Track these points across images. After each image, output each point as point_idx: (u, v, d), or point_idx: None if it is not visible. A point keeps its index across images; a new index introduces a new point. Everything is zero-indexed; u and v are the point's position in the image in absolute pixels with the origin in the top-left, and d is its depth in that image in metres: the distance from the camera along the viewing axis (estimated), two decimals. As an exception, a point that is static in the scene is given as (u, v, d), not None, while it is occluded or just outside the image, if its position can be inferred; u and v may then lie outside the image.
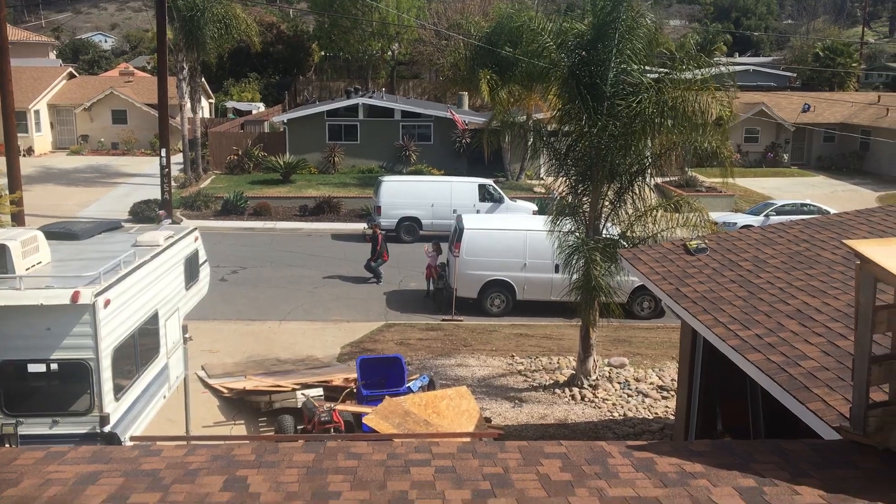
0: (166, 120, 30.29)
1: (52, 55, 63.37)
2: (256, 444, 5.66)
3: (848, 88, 61.32)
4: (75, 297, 7.47)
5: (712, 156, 15.33)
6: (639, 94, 13.66)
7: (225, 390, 14.41)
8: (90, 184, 38.13)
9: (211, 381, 15.09)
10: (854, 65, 65.95)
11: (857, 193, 40.09)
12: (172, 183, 35.45)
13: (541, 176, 35.62)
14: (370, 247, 23.55)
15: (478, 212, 28.55)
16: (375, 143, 40.37)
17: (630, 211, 14.68)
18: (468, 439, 6.41)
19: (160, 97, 27.99)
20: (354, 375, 13.64)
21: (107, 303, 7.73)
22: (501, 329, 19.34)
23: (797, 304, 9.00)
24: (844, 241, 5.85)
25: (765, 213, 30.42)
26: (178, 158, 39.90)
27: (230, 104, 57.83)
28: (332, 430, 11.47)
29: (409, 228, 28.61)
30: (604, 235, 14.85)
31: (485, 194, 29.26)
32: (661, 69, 14.56)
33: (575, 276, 14.38)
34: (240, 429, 13.26)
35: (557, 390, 14.85)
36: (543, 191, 33.00)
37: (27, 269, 8.29)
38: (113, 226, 11.03)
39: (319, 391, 12.83)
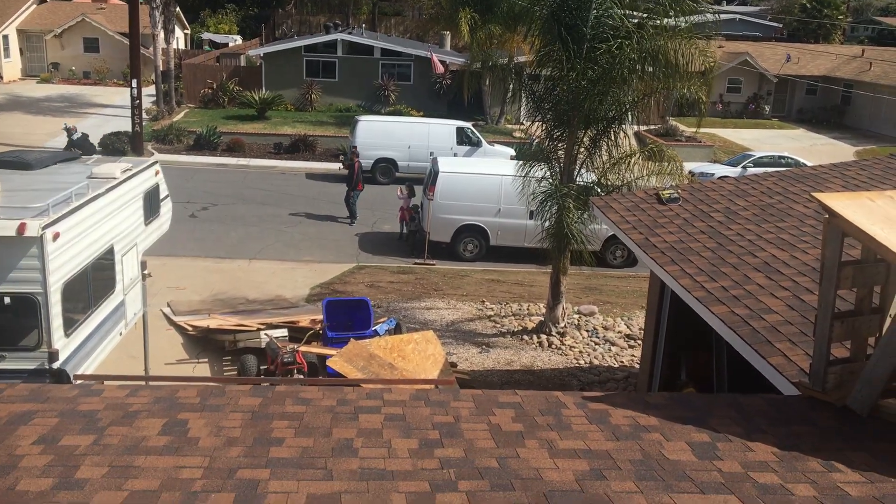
0: (137, 49, 29.53)
1: (23, -21, 61.21)
2: (202, 386, 5.48)
3: (833, 41, 60.95)
4: (21, 228, 7.19)
5: (693, 105, 15.11)
6: (619, 39, 13.32)
7: (189, 328, 14.23)
8: (60, 113, 37.19)
9: (176, 319, 14.90)
10: (840, 17, 65.42)
11: (835, 147, 40.09)
12: (144, 116, 34.78)
13: (521, 120, 35.21)
14: (347, 176, 23.29)
15: (455, 155, 28.19)
16: (354, 82, 39.66)
17: (605, 158, 14.46)
18: (426, 386, 6.28)
19: (131, 25, 27.20)
20: (321, 317, 13.49)
21: (56, 236, 7.45)
22: (473, 274, 19.23)
23: (765, 256, 8.90)
24: (813, 194, 5.69)
25: (742, 165, 30.35)
26: (150, 90, 39.04)
27: (206, 36, 56.48)
28: (295, 371, 11.35)
29: (384, 170, 28.25)
30: (578, 182, 14.66)
31: (463, 137, 28.88)
32: (644, 14, 14.20)
33: (547, 224, 14.21)
34: (203, 367, 13.12)
35: (525, 337, 14.81)
36: (523, 135, 32.67)
37: (-26, 199, 7.98)
38: (70, 156, 10.66)
39: (284, 332, 12.68)
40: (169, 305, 15.75)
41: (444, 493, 4.09)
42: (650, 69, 13.48)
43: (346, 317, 13.18)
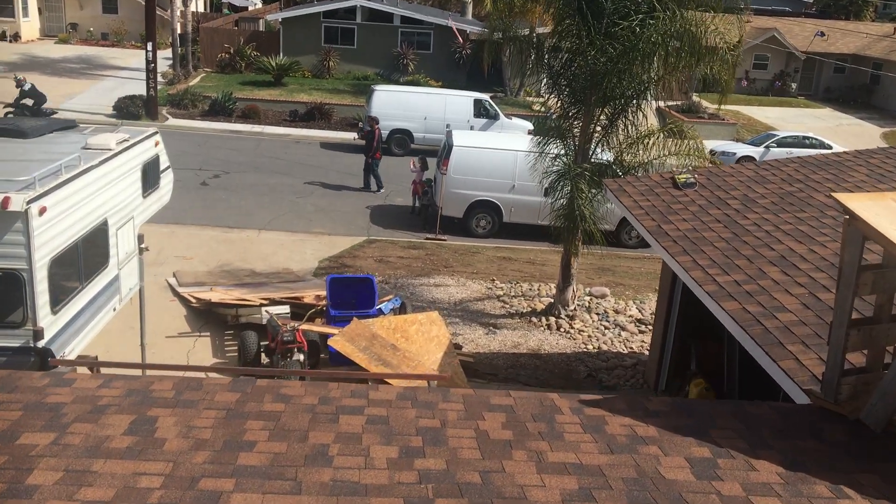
0: (153, 11, 29.18)
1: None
2: (179, 378, 5.23)
3: (864, 18, 59.46)
4: (5, 203, 6.93)
5: (716, 82, 14.61)
6: (641, 15, 12.82)
7: (193, 300, 14.03)
8: (77, 75, 36.98)
9: (180, 290, 14.70)
10: (873, -6, 63.77)
11: (862, 128, 39.21)
12: (160, 79, 34.46)
13: (541, 93, 34.63)
14: (366, 145, 22.98)
15: (472, 128, 27.76)
16: (373, 49, 39.10)
17: (622, 137, 14.03)
18: (416, 383, 6.00)
19: (147, -13, 26.76)
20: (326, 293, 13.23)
21: (42, 210, 7.20)
22: (485, 251, 18.91)
23: (782, 249, 8.53)
24: (833, 194, 5.31)
25: (765, 145, 29.68)
26: (167, 54, 38.69)
27: (226, -1, 55.97)
28: (296, 350, 11.12)
29: (400, 141, 27.83)
30: (594, 161, 14.25)
31: (480, 110, 28.38)
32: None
33: (559, 203, 13.84)
34: (204, 341, 12.93)
35: (534, 319, 14.51)
36: (542, 109, 32.04)
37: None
38: (67, 125, 10.38)
39: (286, 308, 12.44)
40: (175, 276, 15.56)
41: (419, 511, 3.82)
42: (675, 44, 12.95)
43: (351, 294, 12.92)
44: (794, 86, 46.30)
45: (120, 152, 9.14)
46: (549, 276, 17.05)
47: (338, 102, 33.45)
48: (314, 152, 27.82)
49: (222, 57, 38.96)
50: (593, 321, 14.53)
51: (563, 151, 14.21)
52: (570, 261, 14.50)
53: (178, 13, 36.68)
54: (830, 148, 29.22)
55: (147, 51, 29.28)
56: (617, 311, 15.14)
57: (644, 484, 4.23)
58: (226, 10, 53.29)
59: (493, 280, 16.74)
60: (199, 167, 24.30)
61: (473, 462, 4.33)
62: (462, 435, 4.67)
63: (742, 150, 29.68)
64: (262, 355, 11.72)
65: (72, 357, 8.08)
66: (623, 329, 14.25)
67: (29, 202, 7.06)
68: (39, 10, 46.71)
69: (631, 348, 13.60)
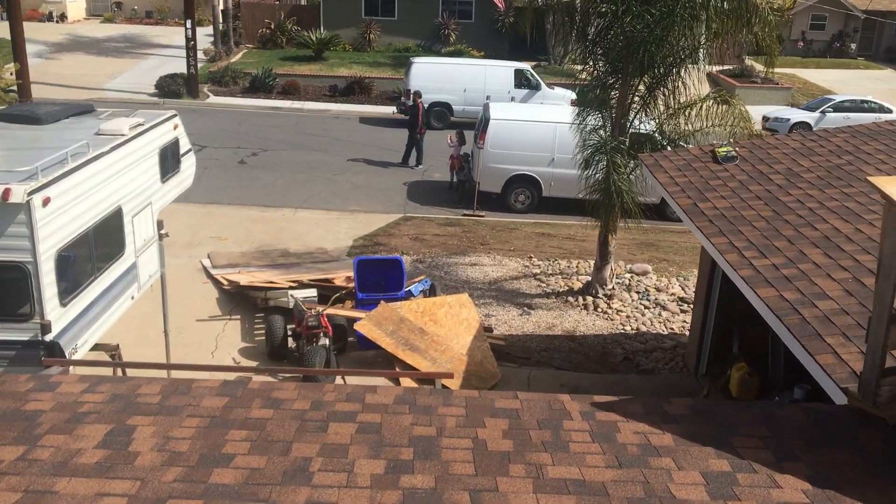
0: (191, -11, 29.08)
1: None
2: (169, 381, 4.99)
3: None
4: (6, 194, 6.77)
5: (761, 48, 13.84)
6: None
7: (225, 282, 13.92)
8: (120, 54, 37.26)
9: (213, 272, 14.60)
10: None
11: (925, 90, 37.43)
12: (202, 56, 34.53)
13: (576, 63, 33.77)
14: (410, 120, 22.61)
15: (512, 99, 27.20)
16: (413, 20, 38.53)
17: (662, 108, 13.41)
18: (416, 384, 5.67)
19: (183, -35, 26.64)
20: (356, 274, 12.97)
21: (46, 201, 7.03)
22: (523, 227, 18.46)
23: (826, 229, 7.96)
24: (870, 178, 4.80)
25: (821, 110, 28.48)
26: (209, 30, 38.68)
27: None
28: (321, 335, 10.90)
29: (439, 114, 27.38)
30: (632, 132, 13.67)
31: (521, 80, 27.76)
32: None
33: (594, 178, 13.33)
34: (234, 324, 12.80)
35: (570, 298, 14.06)
36: (586, 78, 31.14)
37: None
38: (84, 109, 10.22)
39: (313, 292, 12.21)
40: (209, 257, 15.48)
41: (398, 538, 3.51)
42: (721, 5, 12.24)
43: (379, 276, 12.65)
44: (853, 46, 44.42)
45: (134, 137, 8.94)
46: (588, 252, 16.54)
47: (378, 76, 33.10)
48: (353, 128, 27.55)
49: (263, 32, 38.83)
50: (632, 300, 14.03)
51: (600, 123, 13.66)
52: (608, 238, 14.00)
53: (219, -11, 36.61)
54: (891, 112, 27.93)
55: (186, 28, 29.28)
56: (658, 290, 14.60)
57: (651, 504, 3.85)
58: (268, -15, 53.04)
59: (531, 257, 16.31)
60: (238, 145, 24.25)
61: (465, 479, 4.00)
62: (457, 446, 4.33)
63: (796, 115, 28.54)
64: (290, 339, 11.53)
65: (86, 348, 7.96)
66: (664, 308, 13.73)
67: (30, 193, 6.89)
68: (85, -10, 47.15)
69: (671, 329, 13.08)
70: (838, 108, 28.41)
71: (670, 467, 4.19)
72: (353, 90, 31.09)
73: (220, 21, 36.97)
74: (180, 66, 31.65)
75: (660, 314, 13.51)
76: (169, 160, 10.00)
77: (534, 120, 19.49)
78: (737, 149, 10.61)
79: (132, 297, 9.10)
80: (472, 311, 11.83)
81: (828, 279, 6.91)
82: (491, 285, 14.81)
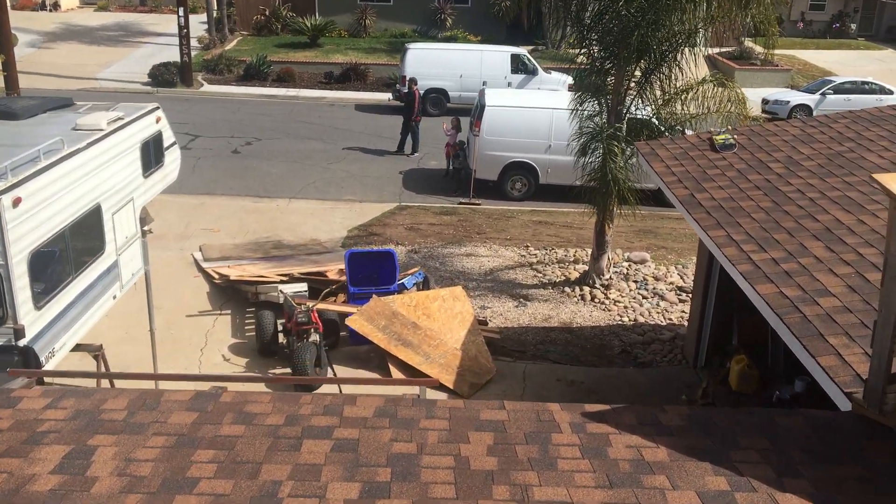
0: (183, -24, 28.66)
1: None
2: (137, 394, 4.74)
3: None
4: (-28, 196, 6.52)
5: (758, 30, 13.52)
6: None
7: (216, 276, 13.67)
8: (114, 43, 36.84)
9: (204, 265, 14.35)
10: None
11: (927, 70, 36.98)
12: (196, 44, 34.15)
13: (570, 49, 33.34)
14: (406, 107, 22.26)
15: (509, 84, 26.84)
16: (409, 5, 38.07)
17: (658, 94, 13.10)
18: (402, 390, 5.42)
19: (173, -48, 26.21)
20: (349, 267, 12.71)
21: (16, 202, 6.76)
22: (520, 215, 18.18)
23: (827, 220, 7.69)
24: (875, 175, 4.53)
25: (821, 92, 28.09)
26: (204, 17, 38.26)
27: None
28: (312, 331, 10.66)
29: (435, 101, 27.02)
30: (629, 118, 13.37)
31: (518, 65, 27.38)
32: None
33: (591, 166, 13.05)
34: (225, 319, 12.56)
35: (567, 289, 13.81)
36: (584, 61, 30.72)
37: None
38: (63, 103, 9.93)
39: (303, 286, 11.96)
40: (201, 250, 15.22)
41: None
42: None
43: (372, 269, 12.39)
44: (853, 27, 43.95)
45: (113, 132, 8.66)
46: (586, 240, 16.28)
47: (374, 62, 32.72)
48: (349, 115, 27.22)
49: (258, 19, 38.41)
50: (630, 290, 13.77)
51: (596, 111, 13.36)
52: (605, 227, 13.73)
53: (212, -25, 36.15)
54: (892, 93, 27.57)
55: (179, 16, 28.88)
56: (657, 279, 14.34)
57: (643, 530, 3.61)
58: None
59: (528, 246, 16.06)
60: (232, 134, 23.94)
61: (444, 503, 3.75)
62: (439, 464, 4.09)
63: (796, 97, 28.17)
64: (281, 335, 11.30)
65: (65, 351, 7.72)
66: (662, 298, 13.47)
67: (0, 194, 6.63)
68: (78, -23, 46.63)
69: (670, 319, 12.84)
70: (839, 89, 28.04)
71: (664, 486, 3.94)
72: (349, 77, 30.72)
73: (215, 8, 36.54)
74: (174, 55, 31.24)
75: (658, 304, 13.26)
76: (151, 154, 9.72)
77: (530, 106, 19.18)
78: (735, 136, 10.33)
79: (114, 297, 8.85)
80: (466, 304, 11.58)
81: (830, 274, 6.65)
82: (486, 276, 14.56)
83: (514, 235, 16.82)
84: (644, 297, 13.50)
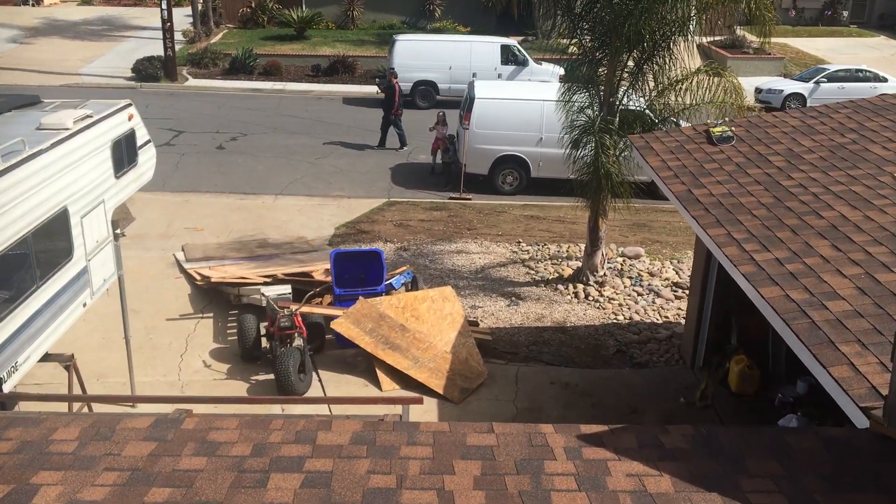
0: (165, -33, 28.10)
1: None
2: (90, 422, 4.34)
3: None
4: (-80, 204, 6.09)
5: (754, 17, 13.13)
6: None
7: (198, 277, 13.24)
8: (97, 37, 36.22)
9: (186, 266, 13.91)
10: None
11: (921, 57, 36.66)
12: (181, 38, 33.56)
13: (559, 39, 32.90)
14: (386, 100, 21.78)
15: (500, 76, 26.41)
16: (398, -4, 37.58)
17: (652, 85, 12.71)
18: (384, 410, 5.02)
19: (154, -57, 25.64)
20: (335, 267, 12.29)
21: (-33, 210, 6.35)
22: (511, 210, 17.79)
23: (832, 217, 7.32)
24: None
25: (815, 80, 27.75)
26: (188, 11, 37.63)
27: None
28: (295, 336, 10.26)
29: (424, 93, 26.57)
30: (622, 108, 12.98)
31: (508, 56, 26.95)
32: None
33: (583, 160, 12.66)
34: (206, 323, 12.13)
35: (560, 286, 13.42)
36: (576, 52, 30.28)
37: None
38: (29, 101, 9.48)
39: (287, 288, 11.54)
40: (183, 249, 14.77)
41: None
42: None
43: (358, 269, 11.98)
44: (845, 14, 43.57)
45: (80, 131, 8.21)
46: (579, 235, 15.89)
47: (362, 54, 32.23)
48: (336, 109, 26.75)
49: (244, 12, 37.83)
50: (625, 287, 13.40)
51: (588, 103, 12.96)
52: (598, 222, 13.34)
53: (197, -33, 35.52)
54: (886, 81, 27.24)
55: (162, 9, 28.33)
56: (652, 274, 13.97)
57: (647, 578, 3.23)
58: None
59: (519, 242, 15.67)
60: (217, 129, 23.47)
61: (424, 548, 3.37)
62: (420, 501, 3.70)
63: (790, 86, 27.83)
64: (264, 340, 10.89)
65: (29, 364, 7.30)
66: (658, 295, 13.10)
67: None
68: (60, -29, 45.88)
69: (666, 317, 12.47)
70: (832, 77, 27.71)
71: (668, 523, 3.56)
72: (337, 70, 30.22)
73: (199, 1, 35.93)
74: (159, 49, 30.65)
75: (653, 301, 12.89)
76: (124, 153, 9.28)
77: (521, 98, 18.78)
78: (733, 128, 9.95)
79: (84, 305, 8.43)
80: (455, 304, 11.19)
81: (838, 275, 6.28)
82: (477, 273, 14.17)
83: (505, 231, 16.44)
84: (639, 294, 13.13)
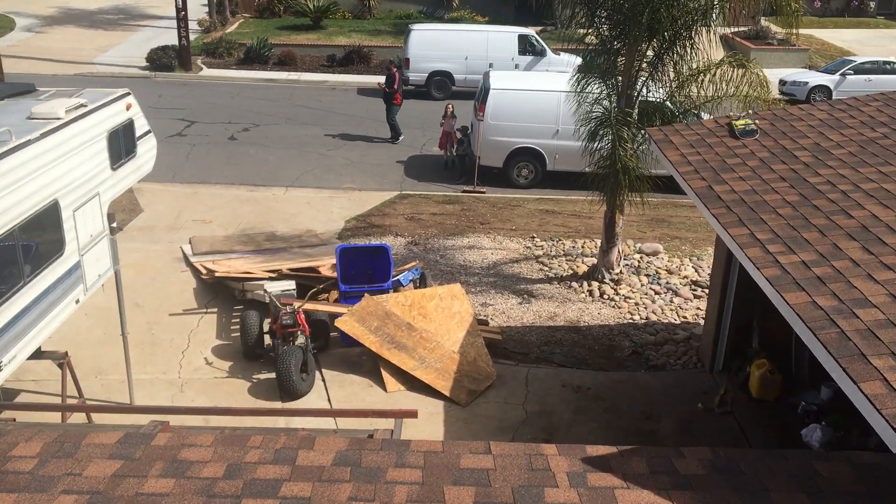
0: (180, -44, 27.82)
1: None
2: (53, 438, 4.00)
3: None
4: None
5: (780, 6, 12.63)
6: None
7: (203, 271, 12.94)
8: (112, 26, 36.04)
9: (192, 259, 13.62)
10: None
11: (950, 49, 35.75)
12: (197, 27, 33.34)
13: (576, 28, 32.31)
14: (385, 94, 21.35)
15: (517, 66, 25.94)
16: (415, -15, 37.14)
17: (672, 76, 12.24)
18: (373, 424, 4.66)
19: (168, -69, 25.34)
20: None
21: (-51, 203, 6.05)
22: (526, 204, 17.36)
23: (863, 216, 6.87)
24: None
25: (841, 72, 27.05)
26: (205, 0, 37.38)
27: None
28: (298, 334, 9.93)
29: (440, 84, 26.13)
30: (641, 100, 12.52)
31: (525, 46, 26.44)
32: None
33: (599, 154, 12.22)
34: (210, 319, 11.83)
35: (574, 284, 13.00)
36: (595, 42, 29.67)
37: None
38: (23, 89, 9.18)
39: (291, 284, 11.19)
40: (190, 242, 14.49)
41: None
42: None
43: (365, 265, 11.63)
44: (872, 5, 42.63)
45: (73, 121, 7.89)
46: (595, 230, 15.46)
47: (378, 44, 31.82)
48: (350, 99, 26.39)
49: (260, 1, 37.52)
50: (642, 285, 12.96)
51: (604, 94, 12.51)
52: (615, 218, 12.91)
53: (212, -44, 35.25)
54: (915, 73, 26.53)
55: (176, -2, 28.05)
56: (670, 272, 13.52)
57: None
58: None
59: (533, 237, 15.26)
60: (230, 120, 23.18)
61: None
62: (404, 534, 3.34)
63: (815, 78, 27.15)
64: (267, 337, 10.57)
65: (16, 364, 7.01)
66: (676, 294, 12.66)
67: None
68: (78, -40, 45.73)
69: (684, 317, 12.02)
70: (859, 69, 27.00)
71: (682, 565, 3.18)
72: (352, 60, 29.84)
73: (216, -11, 35.66)
74: (174, 38, 30.39)
75: (671, 300, 12.45)
76: (121, 144, 8.95)
77: (537, 89, 18.31)
78: (756, 121, 9.48)
79: (77, 301, 8.12)
80: (464, 303, 10.81)
81: (869, 281, 5.84)
82: (489, 270, 13.78)
83: (519, 225, 16.02)
84: (656, 293, 12.69)
